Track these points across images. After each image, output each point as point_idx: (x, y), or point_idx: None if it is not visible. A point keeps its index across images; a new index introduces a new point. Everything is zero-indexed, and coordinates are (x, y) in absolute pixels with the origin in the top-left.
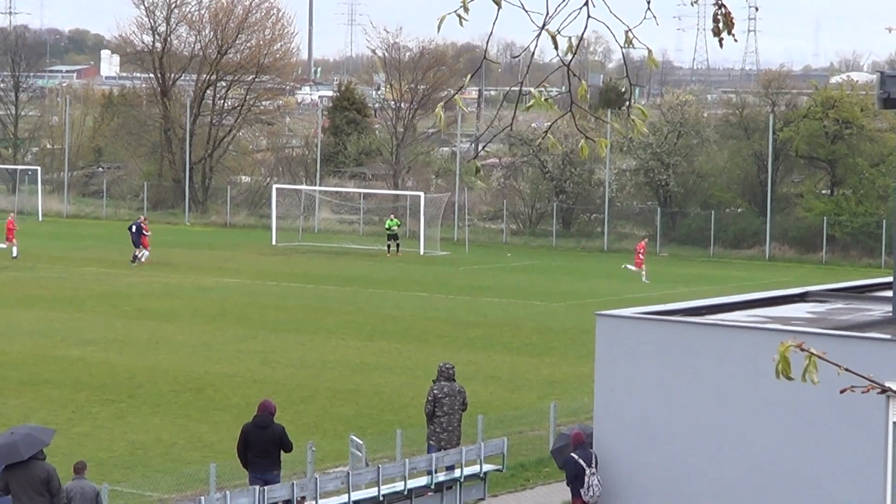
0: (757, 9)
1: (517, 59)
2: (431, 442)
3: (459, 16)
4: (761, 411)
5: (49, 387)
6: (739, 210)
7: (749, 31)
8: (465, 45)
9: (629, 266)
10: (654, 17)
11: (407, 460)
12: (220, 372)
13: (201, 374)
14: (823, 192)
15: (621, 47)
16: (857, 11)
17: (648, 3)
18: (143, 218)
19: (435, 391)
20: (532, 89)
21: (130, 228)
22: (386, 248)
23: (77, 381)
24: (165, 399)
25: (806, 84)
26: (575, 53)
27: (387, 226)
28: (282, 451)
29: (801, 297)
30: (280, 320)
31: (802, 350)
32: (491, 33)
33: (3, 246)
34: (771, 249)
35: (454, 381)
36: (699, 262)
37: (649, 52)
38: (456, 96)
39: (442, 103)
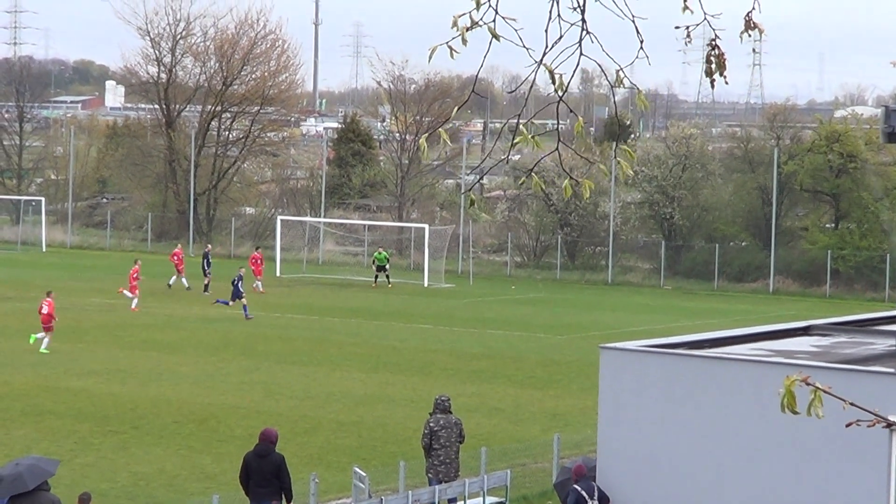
0: (755, 50)
1: (513, 93)
2: (430, 475)
3: (450, 48)
4: (765, 445)
5: (52, 418)
6: (744, 243)
7: (754, 64)
8: (469, 77)
9: None
10: (647, 56)
11: (410, 492)
12: (223, 403)
13: (205, 406)
14: (827, 225)
15: (611, 86)
16: (862, 46)
17: (641, 42)
18: (209, 247)
19: (431, 424)
20: (520, 125)
21: (205, 257)
22: (374, 279)
23: (80, 412)
24: (168, 430)
25: (810, 118)
26: (566, 90)
27: (375, 257)
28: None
29: (805, 331)
30: (283, 352)
31: (808, 384)
32: (481, 66)
33: (178, 277)
34: (775, 283)
35: (450, 413)
36: (703, 295)
37: (638, 91)
38: (440, 129)
39: (426, 134)
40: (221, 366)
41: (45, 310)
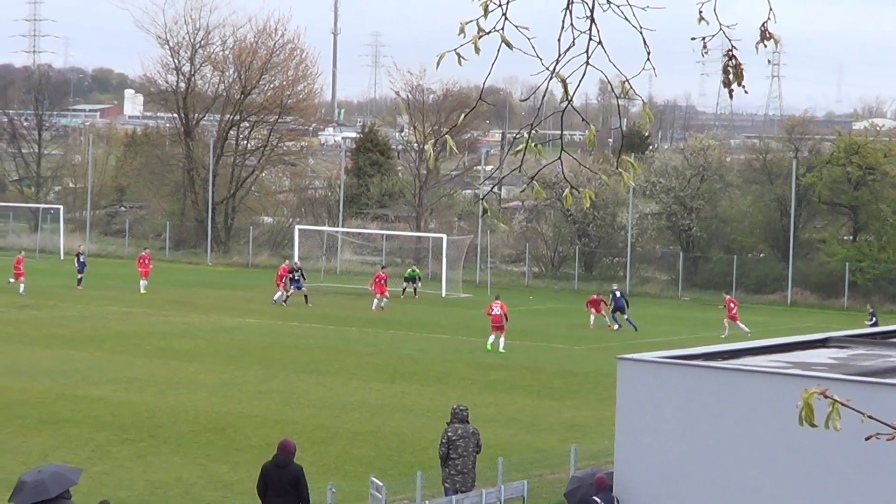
0: (770, 61)
1: (526, 101)
2: (447, 485)
3: (458, 55)
4: (783, 457)
5: (69, 426)
6: (762, 255)
7: (772, 76)
8: (488, 87)
9: None
10: (654, 68)
11: (427, 502)
12: (240, 412)
13: (222, 414)
14: (846, 237)
15: (617, 97)
16: (881, 58)
17: (648, 54)
18: (287, 262)
19: (449, 433)
20: (524, 133)
21: (291, 273)
22: (402, 291)
23: (97, 420)
24: (186, 439)
25: (829, 130)
26: (571, 99)
27: (408, 274)
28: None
29: (823, 343)
30: (301, 361)
31: (826, 397)
32: (489, 73)
33: (280, 294)
34: (793, 295)
35: (468, 423)
36: (721, 306)
37: (644, 103)
38: (447, 136)
39: (432, 141)
40: (238, 374)
41: (495, 311)
